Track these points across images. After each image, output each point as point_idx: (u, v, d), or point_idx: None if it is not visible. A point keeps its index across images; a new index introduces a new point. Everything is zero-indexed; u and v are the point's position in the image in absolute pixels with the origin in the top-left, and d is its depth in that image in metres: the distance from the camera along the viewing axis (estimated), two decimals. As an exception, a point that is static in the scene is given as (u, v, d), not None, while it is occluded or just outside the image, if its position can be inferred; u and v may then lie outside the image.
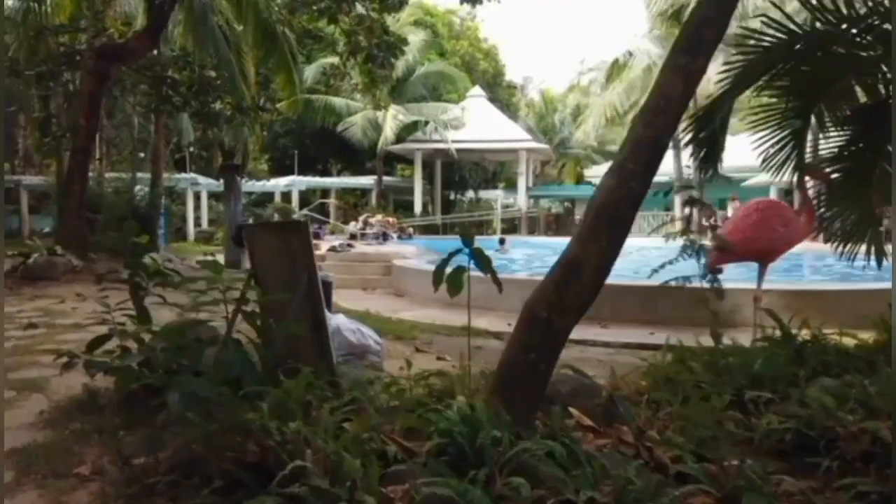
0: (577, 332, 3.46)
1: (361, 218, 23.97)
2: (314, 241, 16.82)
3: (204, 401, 2.93)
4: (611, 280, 3.17)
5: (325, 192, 33.12)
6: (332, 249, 12.25)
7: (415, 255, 12.33)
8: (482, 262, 3.28)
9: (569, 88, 50.09)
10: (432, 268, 3.42)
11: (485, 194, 34.76)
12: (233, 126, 16.31)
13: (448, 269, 3.27)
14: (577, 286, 2.99)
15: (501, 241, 17.25)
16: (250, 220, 15.11)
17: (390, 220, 24.31)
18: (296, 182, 27.55)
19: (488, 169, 36.13)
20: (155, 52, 12.02)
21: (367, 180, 29.79)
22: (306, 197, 29.74)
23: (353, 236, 21.40)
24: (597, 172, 30.56)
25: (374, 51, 13.28)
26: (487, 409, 2.79)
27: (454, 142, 25.03)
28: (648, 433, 3.08)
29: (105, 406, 4.16)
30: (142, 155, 15.97)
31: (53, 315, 7.97)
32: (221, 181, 29.46)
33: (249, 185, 29.36)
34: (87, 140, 10.74)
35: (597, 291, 3.05)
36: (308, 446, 2.62)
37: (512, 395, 2.98)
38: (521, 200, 27.11)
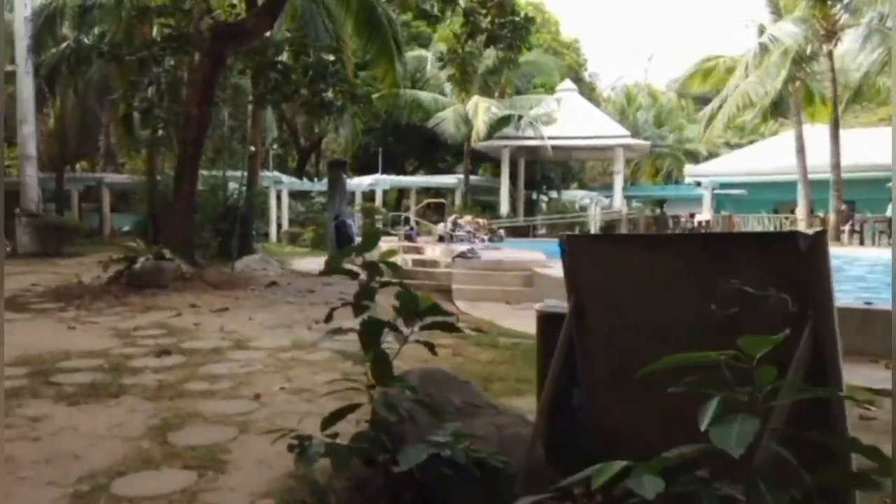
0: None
1: (451, 219, 22.53)
2: (410, 244, 15.34)
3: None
4: None
5: (402, 192, 31.98)
6: (462, 256, 10.78)
7: (545, 262, 10.79)
8: None
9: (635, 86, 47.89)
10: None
11: (566, 195, 32.97)
12: (350, 117, 15.07)
13: None
14: None
15: None
16: (357, 221, 13.78)
17: (480, 221, 22.83)
18: (379, 181, 26.31)
19: (572, 168, 34.29)
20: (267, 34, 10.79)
21: (451, 179, 28.38)
22: (385, 196, 28.58)
23: (441, 238, 20.03)
24: (701, 171, 28.43)
25: (500, 31, 11.79)
26: None
27: (550, 138, 23.34)
28: None
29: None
30: (249, 147, 14.81)
31: (177, 334, 6.74)
32: (306, 180, 29.09)
33: (322, 184, 28.37)
34: (200, 132, 9.56)
35: None
36: None
37: None
38: (617, 201, 25.21)
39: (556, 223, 24.88)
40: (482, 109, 22.87)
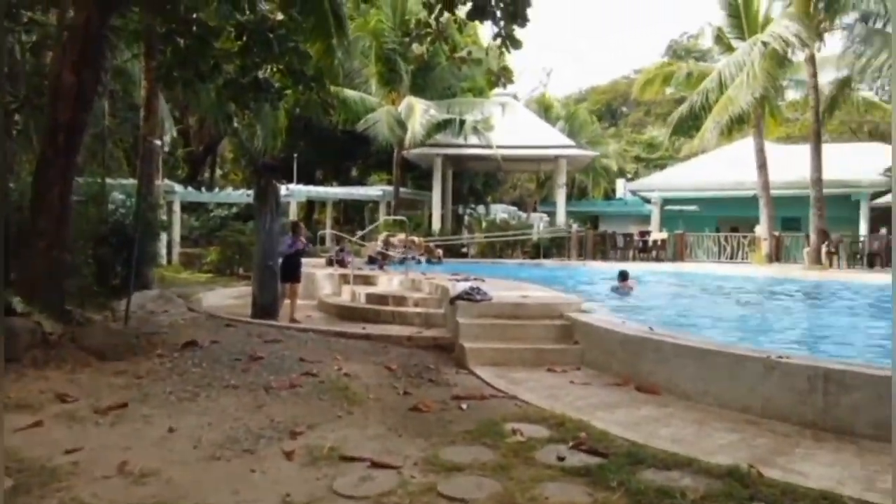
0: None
1: (381, 237, 19.41)
2: (341, 271, 11.97)
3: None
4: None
5: (311, 205, 28.28)
6: (466, 297, 7.73)
7: (577, 303, 8.00)
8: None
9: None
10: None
11: (494, 209, 30.62)
12: (301, 104, 11.63)
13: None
14: None
15: (623, 276, 12.48)
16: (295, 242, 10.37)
17: (416, 239, 19.84)
18: (294, 192, 22.60)
19: (500, 180, 32.00)
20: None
21: (375, 191, 25.13)
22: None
23: (371, 260, 16.91)
24: (642, 185, 26.85)
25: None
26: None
27: (480, 146, 20.80)
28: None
29: None
30: (154, 142, 10.95)
31: (33, 489, 3.34)
32: (204, 189, 24.66)
33: (225, 195, 24.32)
34: (78, 110, 5.94)
35: None
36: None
37: None
38: (560, 217, 22.97)
39: (494, 241, 22.31)
40: (419, 111, 19.95)
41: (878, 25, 15.65)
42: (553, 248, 22.15)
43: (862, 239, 19.63)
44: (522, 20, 9.22)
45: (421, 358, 7.24)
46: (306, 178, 26.47)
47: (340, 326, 8.91)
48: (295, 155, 23.43)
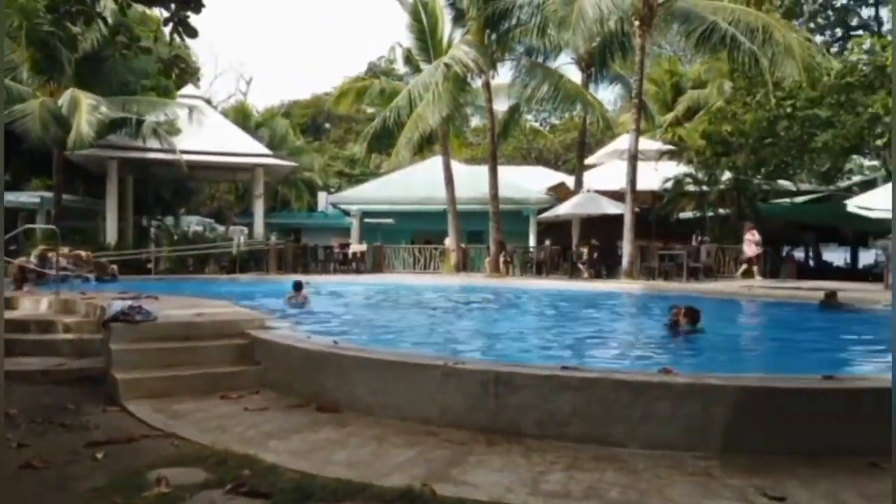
0: None
1: (36, 252, 16.31)
2: None
3: None
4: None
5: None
6: (122, 319, 6.39)
7: (260, 318, 7.25)
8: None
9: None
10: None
11: (188, 221, 28.19)
12: None
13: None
14: None
15: (297, 287, 12.03)
16: None
17: (82, 254, 17.12)
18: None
19: (192, 190, 29.53)
20: None
21: (30, 198, 21.16)
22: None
23: (18, 279, 14.08)
24: (343, 199, 26.87)
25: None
26: None
27: (182, 152, 18.91)
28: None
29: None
30: None
31: None
32: None
33: None
34: None
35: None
36: None
37: None
38: (258, 228, 21.87)
39: (184, 255, 20.36)
40: (85, 107, 17.26)
41: (540, 59, 17.91)
42: (252, 261, 20.98)
43: (531, 249, 22.20)
44: (197, 5, 8.22)
45: (58, 396, 5.84)
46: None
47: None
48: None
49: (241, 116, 39.72)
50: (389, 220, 25.58)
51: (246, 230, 23.52)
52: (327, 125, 56.69)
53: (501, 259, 19.74)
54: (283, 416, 5.32)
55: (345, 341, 6.32)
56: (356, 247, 21.66)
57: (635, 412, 4.32)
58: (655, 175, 21.55)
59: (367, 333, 8.60)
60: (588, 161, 25.50)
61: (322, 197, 32.17)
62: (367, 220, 25.04)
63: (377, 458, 4.18)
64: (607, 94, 47.87)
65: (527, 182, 26.19)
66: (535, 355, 7.37)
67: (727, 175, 21.09)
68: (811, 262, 27.29)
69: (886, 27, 18.66)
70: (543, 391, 4.55)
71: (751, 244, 17.60)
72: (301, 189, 37.02)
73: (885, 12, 18.88)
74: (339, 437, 4.72)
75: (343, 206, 26.08)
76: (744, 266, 17.95)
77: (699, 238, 19.28)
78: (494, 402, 4.67)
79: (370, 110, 28.83)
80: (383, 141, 19.68)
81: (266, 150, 22.51)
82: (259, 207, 21.85)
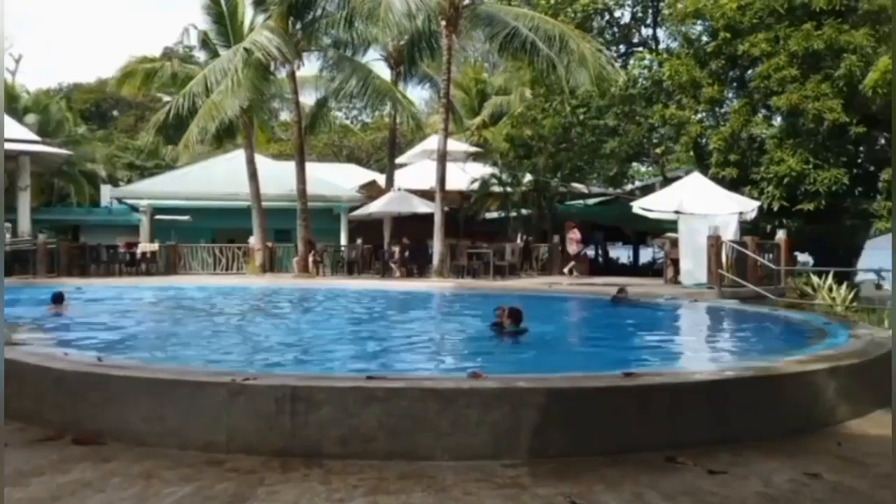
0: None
1: None
2: None
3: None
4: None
5: None
6: None
7: None
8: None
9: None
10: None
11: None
12: None
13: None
14: None
15: (58, 298, 10.43)
16: None
17: None
18: None
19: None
20: None
21: None
22: None
23: None
24: (128, 192, 24.18)
25: None
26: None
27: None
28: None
29: None
30: None
31: None
32: None
33: None
34: None
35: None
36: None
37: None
38: (24, 226, 18.91)
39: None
40: None
41: (349, 53, 17.44)
42: (16, 263, 18.07)
43: (343, 248, 21.64)
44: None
45: None
46: None
47: None
48: None
49: (7, 99, 34.39)
50: (186, 217, 23.51)
51: (10, 226, 20.26)
52: (115, 112, 51.38)
53: (311, 258, 18.96)
54: (25, 454, 4.30)
55: (112, 357, 5.36)
56: (146, 246, 19.59)
57: (444, 422, 4.01)
58: (463, 175, 22.07)
59: (144, 346, 7.51)
60: (399, 160, 25.52)
61: (106, 191, 28.83)
62: (160, 217, 22.79)
63: (141, 502, 3.44)
64: (418, 94, 48.75)
65: (338, 179, 25.55)
66: (341, 365, 6.85)
67: (528, 177, 22.22)
68: (601, 260, 29.75)
69: (662, 45, 20.80)
70: (346, 405, 4.09)
71: (572, 242, 18.65)
72: (81, 182, 32.98)
73: (661, 32, 21.06)
74: (97, 476, 3.87)
75: (130, 201, 23.52)
76: (572, 263, 18.85)
77: (524, 238, 20.16)
78: (290, 421, 4.11)
79: (166, 99, 26.38)
80: (176, 130, 17.96)
81: (34, 137, 19.53)
82: (24, 201, 18.90)
